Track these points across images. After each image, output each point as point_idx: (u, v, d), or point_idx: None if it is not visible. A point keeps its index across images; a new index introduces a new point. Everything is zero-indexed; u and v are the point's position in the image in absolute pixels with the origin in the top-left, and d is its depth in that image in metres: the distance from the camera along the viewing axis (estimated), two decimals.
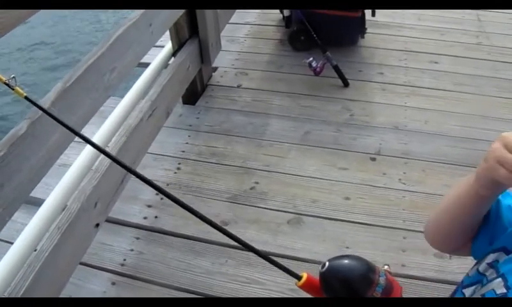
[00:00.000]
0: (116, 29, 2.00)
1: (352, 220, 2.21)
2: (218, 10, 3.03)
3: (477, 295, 0.82)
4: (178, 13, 2.58)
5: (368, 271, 0.78)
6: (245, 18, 3.99)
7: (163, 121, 2.48)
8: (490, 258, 0.86)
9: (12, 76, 1.08)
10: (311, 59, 3.10)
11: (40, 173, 1.55)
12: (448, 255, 2.02)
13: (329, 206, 2.28)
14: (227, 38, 3.58)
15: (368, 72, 3.29)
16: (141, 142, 2.20)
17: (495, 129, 2.76)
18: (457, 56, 3.48)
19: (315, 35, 3.14)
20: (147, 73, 2.55)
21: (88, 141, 1.03)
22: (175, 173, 2.47)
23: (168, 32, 2.70)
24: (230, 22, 3.70)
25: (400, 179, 2.44)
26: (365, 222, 2.20)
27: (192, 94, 3.00)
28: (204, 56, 2.93)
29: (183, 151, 2.61)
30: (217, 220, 2.11)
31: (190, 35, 2.82)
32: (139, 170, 2.17)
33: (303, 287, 0.83)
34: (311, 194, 2.34)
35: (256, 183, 2.40)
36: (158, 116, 2.36)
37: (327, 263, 0.79)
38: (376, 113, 2.90)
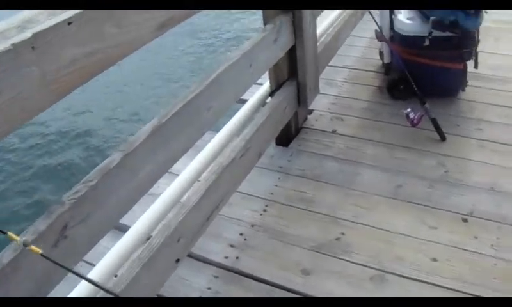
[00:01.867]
0: (216, 68, 2.04)
1: (438, 283, 2.11)
2: (319, 52, 3.03)
3: None
4: (279, 54, 2.60)
5: None
6: (344, 62, 3.97)
7: (255, 161, 2.50)
8: None
9: (24, 238, 1.13)
10: (409, 109, 3.03)
11: (128, 205, 1.58)
12: None
13: (414, 266, 2.19)
14: (325, 80, 3.56)
15: (466, 127, 3.16)
16: (230, 182, 2.22)
17: None
18: None
19: (414, 85, 3.06)
20: (243, 111, 2.58)
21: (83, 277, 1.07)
22: (261, 214, 2.47)
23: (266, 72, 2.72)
24: (329, 64, 3.69)
25: (492, 245, 2.31)
26: (450, 287, 2.10)
27: (286, 136, 3.00)
28: (301, 99, 2.93)
29: (271, 194, 2.61)
30: (298, 268, 2.12)
31: (288, 77, 2.84)
32: (225, 208, 2.21)
33: None
34: (396, 251, 2.26)
35: (342, 234, 2.35)
36: (250, 157, 2.38)
37: None
38: (471, 171, 2.78)
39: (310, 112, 3.30)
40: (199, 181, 2.05)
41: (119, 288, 1.55)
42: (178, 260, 1.88)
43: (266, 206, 2.52)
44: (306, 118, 3.23)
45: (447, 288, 2.09)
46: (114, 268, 1.66)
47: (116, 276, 1.63)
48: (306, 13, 2.68)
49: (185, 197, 1.95)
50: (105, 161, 1.49)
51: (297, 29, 2.69)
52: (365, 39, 4.35)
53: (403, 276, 2.14)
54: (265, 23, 2.57)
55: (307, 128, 3.16)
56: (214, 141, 2.28)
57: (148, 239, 1.75)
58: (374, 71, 3.84)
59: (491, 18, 4.18)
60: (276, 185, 2.67)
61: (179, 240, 1.84)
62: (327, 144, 3.02)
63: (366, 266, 2.18)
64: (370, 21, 4.13)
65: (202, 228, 2.01)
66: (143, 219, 1.81)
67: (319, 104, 3.36)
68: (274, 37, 2.48)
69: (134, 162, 1.55)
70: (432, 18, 3.08)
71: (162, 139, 1.68)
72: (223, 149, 2.27)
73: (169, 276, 1.88)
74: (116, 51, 1.43)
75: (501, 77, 3.69)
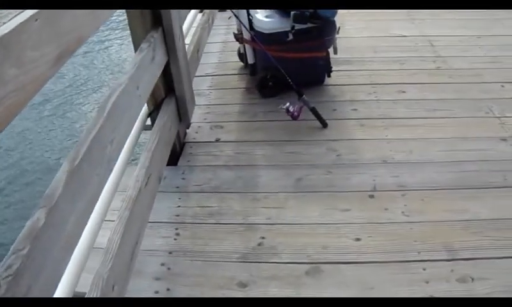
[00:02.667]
0: (107, 97, 1.89)
1: (369, 260, 2.15)
2: (189, 62, 2.96)
3: None
4: (157, 73, 2.49)
5: None
6: (205, 70, 3.93)
7: (157, 187, 2.37)
8: None
9: None
10: (288, 104, 3.06)
11: (63, 265, 1.41)
12: (470, 278, 2.02)
13: (341, 250, 2.21)
14: (194, 92, 3.49)
15: (342, 110, 3.28)
16: (142, 213, 2.08)
17: (477, 148, 2.82)
18: (423, 83, 3.54)
19: (290, 80, 3.09)
20: (129, 138, 2.43)
21: None
22: (175, 239, 2.35)
23: None
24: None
25: (403, 212, 2.41)
26: (382, 260, 2.15)
27: (173, 155, 2.88)
28: (182, 114, 2.85)
29: (177, 216, 2.49)
30: (234, 283, 2.04)
31: (166, 94, 2.73)
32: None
33: None
34: (320, 241, 2.27)
35: (263, 238, 2.30)
36: (153, 183, 2.26)
37: None
38: (361, 150, 2.88)
39: (188, 126, 3.22)
40: (113, 221, 1.88)
41: None
42: None
43: (176, 229, 2.40)
44: (186, 133, 3.14)
45: (377, 262, 2.14)
46: None
47: None
48: (175, 26, 2.60)
49: (105, 241, 1.78)
50: (30, 222, 1.30)
51: (169, 44, 2.60)
52: (218, 44, 4.35)
53: (335, 262, 2.14)
54: (135, 44, 2.45)
55: (190, 142, 3.07)
56: (113, 175, 2.12)
57: (85, 295, 1.57)
58: (236, 74, 3.85)
59: None
60: (179, 206, 2.56)
61: (113, 288, 1.68)
62: (215, 154, 2.96)
63: (297, 263, 2.15)
64: (217, 26, 4.16)
65: (130, 268, 1.86)
66: (70, 275, 1.62)
67: (194, 116, 3.27)
68: (151, 55, 2.36)
69: (59, 216, 1.38)
70: (292, 12, 3.14)
71: (79, 183, 1.52)
72: (121, 178, 2.12)
73: None
74: (23, 95, 1.25)
75: (358, 58, 3.89)
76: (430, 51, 4.03)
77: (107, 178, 1.76)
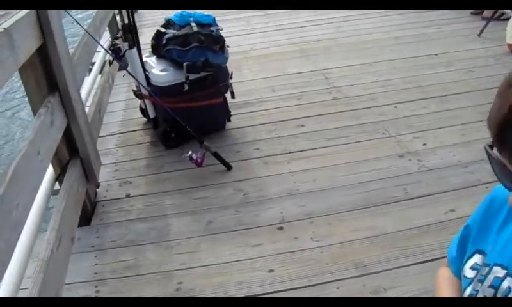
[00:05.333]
0: (9, 163, 1.92)
1: (285, 288, 2.25)
2: (91, 123, 3.01)
3: (483, 288, 0.90)
4: (58, 136, 2.52)
5: None
6: (110, 129, 3.97)
7: (71, 247, 2.38)
8: (468, 265, 0.96)
9: None
10: (190, 152, 3.15)
11: None
12: (383, 289, 2.18)
13: (257, 283, 2.30)
14: (100, 151, 3.47)
15: (245, 151, 3.42)
16: (57, 275, 2.09)
17: (378, 168, 3.03)
18: (320, 115, 3.75)
19: (189, 128, 3.20)
20: (37, 203, 2.44)
21: None
22: (96, 295, 2.36)
23: None
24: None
25: (312, 238, 2.54)
26: (297, 286, 2.26)
27: (85, 215, 2.89)
28: (89, 174, 2.88)
29: (95, 274, 2.50)
30: None
31: (70, 156, 2.76)
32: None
33: None
34: (235, 277, 2.35)
35: (180, 283, 2.36)
36: (66, 245, 2.26)
37: None
38: (267, 186, 3.01)
39: (98, 185, 3.24)
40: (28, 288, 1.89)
41: None
42: None
43: (96, 287, 2.41)
44: (96, 193, 3.16)
45: (292, 289, 2.24)
46: None
47: None
48: (72, 89, 2.65)
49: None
50: None
51: (67, 108, 2.64)
52: (121, 102, 4.41)
53: (253, 295, 2.23)
54: (34, 109, 2.48)
55: (101, 201, 3.10)
56: (25, 242, 2.12)
57: None
58: (141, 129, 3.92)
59: (234, 50, 4.60)
60: (96, 264, 2.57)
61: None
62: (127, 209, 3.00)
63: None
64: (119, 84, 4.24)
65: None
66: None
67: (103, 175, 3.30)
68: (50, 120, 2.40)
69: None
70: (185, 63, 3.27)
71: None
72: (33, 246, 2.13)
73: None
74: None
75: (257, 99, 4.07)
76: (325, 83, 4.29)
77: (15, 244, 1.78)
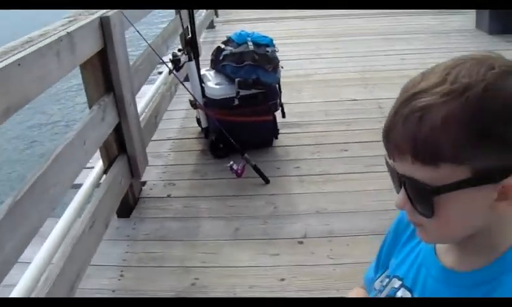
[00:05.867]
0: (54, 148, 2.19)
1: (289, 296, 2.40)
2: (142, 127, 3.28)
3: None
4: (107, 131, 2.80)
5: None
6: (167, 134, 4.25)
7: (103, 232, 2.63)
8: (378, 279, 1.07)
9: None
10: (231, 162, 3.36)
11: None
12: None
13: (266, 289, 2.46)
14: (152, 153, 3.78)
15: (285, 168, 3.59)
16: (85, 253, 2.34)
17: None
18: (365, 141, 3.86)
19: (232, 140, 3.41)
20: (81, 193, 2.71)
21: None
22: (119, 279, 2.60)
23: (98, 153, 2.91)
24: (153, 139, 3.93)
25: (328, 255, 2.67)
26: (302, 296, 2.39)
27: (126, 208, 3.16)
28: (134, 171, 3.13)
29: (124, 260, 2.74)
30: None
31: (119, 152, 3.03)
32: (84, 280, 2.31)
33: None
34: (248, 281, 2.52)
35: (196, 279, 2.56)
36: (98, 227, 2.51)
37: None
38: (297, 203, 3.16)
39: (144, 183, 3.50)
40: (53, 263, 2.15)
41: None
42: None
43: (122, 271, 2.65)
44: (141, 189, 3.42)
45: (298, 298, 2.38)
46: None
47: None
48: (126, 92, 2.93)
49: (47, 270, 2.04)
50: None
51: (120, 108, 2.92)
52: (182, 111, 4.69)
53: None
54: (90, 106, 2.77)
55: (144, 197, 3.35)
56: (59, 225, 2.39)
57: None
58: (195, 138, 4.17)
59: (293, 74, 4.83)
60: (127, 252, 2.81)
61: None
62: (165, 208, 3.24)
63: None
64: (183, 94, 4.51)
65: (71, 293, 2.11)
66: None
67: (151, 175, 3.58)
68: (101, 116, 2.68)
69: None
70: (237, 79, 3.50)
71: (17, 216, 1.79)
72: (68, 231, 2.39)
73: None
74: None
75: (306, 121, 4.24)
76: (378, 112, 4.38)
77: (46, 217, 2.03)
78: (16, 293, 1.95)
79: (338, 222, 2.95)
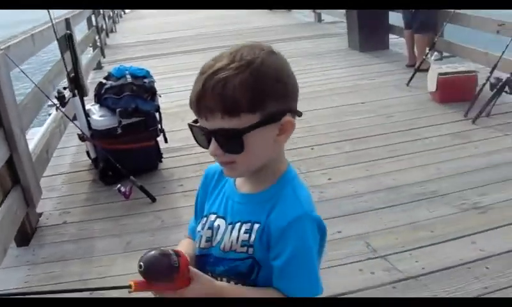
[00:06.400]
0: None
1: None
2: (34, 161, 3.54)
3: (204, 231, 1.30)
4: (0, 163, 3.04)
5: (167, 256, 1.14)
6: (59, 170, 4.51)
7: (2, 257, 2.86)
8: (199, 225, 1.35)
9: None
10: (119, 185, 3.68)
11: None
12: None
13: None
14: (46, 187, 4.02)
15: (170, 187, 3.98)
16: None
17: None
18: None
19: (118, 166, 3.73)
20: None
21: None
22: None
23: None
24: (46, 174, 4.18)
25: None
26: None
27: (25, 237, 3.38)
28: (29, 201, 3.39)
29: (26, 282, 2.97)
30: None
31: (13, 184, 3.27)
32: None
33: (136, 290, 1.10)
34: None
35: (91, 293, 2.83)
36: None
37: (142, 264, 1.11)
38: (182, 214, 3.51)
39: (40, 215, 3.73)
40: None
41: None
42: None
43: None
44: (38, 220, 3.65)
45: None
46: None
47: None
48: (15, 127, 3.21)
49: None
50: None
51: (10, 142, 3.19)
52: (73, 147, 4.97)
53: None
54: None
55: (41, 226, 3.59)
56: None
57: None
58: (86, 170, 4.45)
59: (177, 104, 5.23)
60: (28, 275, 3.04)
61: None
62: (61, 233, 3.50)
63: None
64: (73, 132, 4.79)
65: None
66: None
67: (46, 207, 3.82)
68: None
69: None
70: (118, 109, 3.85)
71: None
72: None
73: None
74: None
75: (190, 145, 4.62)
76: None
77: None
78: None
79: None
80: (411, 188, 3.57)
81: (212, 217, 1.31)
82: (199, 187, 1.42)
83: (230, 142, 1.16)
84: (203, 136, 1.20)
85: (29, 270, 3.11)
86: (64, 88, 4.16)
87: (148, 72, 4.14)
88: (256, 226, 1.21)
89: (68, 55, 4.54)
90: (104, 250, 3.23)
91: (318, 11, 11.70)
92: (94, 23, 9.55)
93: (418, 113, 5.08)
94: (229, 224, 1.26)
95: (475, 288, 2.50)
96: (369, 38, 7.90)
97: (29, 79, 3.61)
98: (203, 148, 1.23)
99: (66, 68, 4.31)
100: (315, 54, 8.32)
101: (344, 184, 3.76)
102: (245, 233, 1.22)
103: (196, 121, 1.23)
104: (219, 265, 1.25)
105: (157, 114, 4.10)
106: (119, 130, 3.89)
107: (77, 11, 7.16)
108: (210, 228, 1.30)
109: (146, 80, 4.03)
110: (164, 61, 8.75)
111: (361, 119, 5.07)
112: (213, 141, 1.17)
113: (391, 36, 8.14)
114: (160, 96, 4.14)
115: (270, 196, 1.22)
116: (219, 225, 1.29)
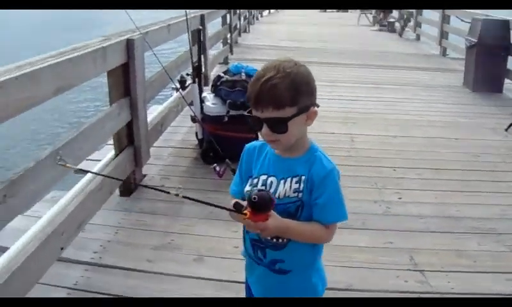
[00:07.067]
0: (84, 123, 3.11)
1: None
2: (149, 130, 4.20)
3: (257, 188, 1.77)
4: (121, 124, 3.71)
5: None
6: (169, 143, 5.19)
7: (107, 196, 3.53)
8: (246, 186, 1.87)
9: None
10: (215, 165, 4.22)
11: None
12: None
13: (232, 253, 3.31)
14: (155, 156, 4.68)
15: None
16: (92, 206, 3.23)
17: (353, 205, 3.93)
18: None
19: (219, 148, 4.29)
20: (98, 165, 3.62)
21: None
22: (114, 234, 3.47)
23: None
24: (158, 145, 4.86)
25: None
26: None
27: (128, 190, 4.04)
28: (137, 160, 4.04)
29: (119, 223, 3.62)
30: (144, 259, 3.15)
31: (128, 144, 3.94)
32: (86, 233, 3.18)
33: (249, 218, 1.59)
34: (213, 245, 3.38)
35: (172, 240, 3.42)
36: (105, 191, 3.43)
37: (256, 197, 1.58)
38: None
39: (144, 175, 4.39)
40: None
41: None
42: (62, 248, 2.82)
43: (117, 230, 3.52)
44: (142, 179, 4.31)
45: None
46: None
47: None
48: (140, 99, 3.86)
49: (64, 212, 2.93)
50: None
51: (133, 110, 3.85)
52: (185, 127, 5.62)
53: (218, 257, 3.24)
54: (111, 104, 3.69)
55: (143, 185, 4.24)
56: (78, 185, 3.29)
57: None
58: (191, 148, 5.09)
59: None
60: (123, 219, 3.69)
61: (63, 233, 2.80)
62: (157, 193, 4.06)
63: (189, 254, 3.26)
64: (187, 115, 5.43)
65: (78, 230, 3.00)
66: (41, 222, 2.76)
67: (151, 171, 4.48)
68: (117, 112, 3.61)
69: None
70: (228, 101, 4.42)
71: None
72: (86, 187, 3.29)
73: (55, 261, 2.79)
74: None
75: None
76: (349, 144, 5.40)
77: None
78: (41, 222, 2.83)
79: None
80: (470, 222, 3.82)
81: (264, 176, 1.80)
82: (241, 159, 1.96)
83: (278, 127, 1.67)
84: (257, 122, 1.70)
85: (124, 215, 3.74)
86: (187, 74, 4.80)
87: None
88: (303, 177, 1.72)
89: (196, 47, 5.20)
90: (189, 213, 3.80)
91: (444, 45, 11.79)
92: (228, 21, 10.27)
93: (504, 158, 5.24)
94: (281, 179, 1.75)
95: None
96: (484, 79, 8.01)
97: (159, 62, 4.26)
98: (256, 130, 1.75)
99: (192, 58, 4.96)
100: (427, 85, 8.61)
101: (411, 205, 4.08)
102: (296, 183, 1.73)
103: (250, 112, 1.72)
104: (274, 209, 1.68)
105: None
106: (226, 119, 4.46)
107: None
108: (264, 184, 1.78)
109: None
110: None
111: (449, 153, 5.32)
112: (265, 126, 1.68)
113: (507, 80, 8.18)
114: None
115: (307, 158, 1.75)
116: (271, 181, 1.77)
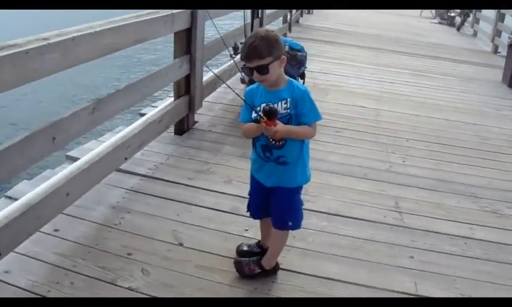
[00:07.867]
0: (155, 69, 4.12)
1: None
2: (204, 85, 5.19)
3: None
4: (181, 75, 4.72)
5: None
6: (221, 100, 6.18)
7: (163, 130, 4.55)
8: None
9: None
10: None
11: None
12: None
13: None
14: (207, 107, 5.70)
15: None
16: (152, 133, 4.25)
17: (365, 163, 4.82)
18: (355, 131, 5.60)
19: None
20: (160, 106, 4.65)
21: None
22: (166, 159, 4.46)
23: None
24: (211, 101, 5.87)
25: None
26: None
27: (181, 129, 5.04)
28: (191, 107, 5.04)
29: (171, 152, 4.60)
30: (187, 176, 4.14)
31: (185, 92, 4.94)
32: (144, 156, 4.20)
33: (265, 123, 2.47)
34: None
35: (210, 168, 4.40)
36: (163, 124, 4.45)
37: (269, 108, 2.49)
38: None
39: (196, 122, 5.38)
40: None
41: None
42: (126, 158, 3.85)
43: (168, 157, 4.51)
44: (194, 123, 5.30)
45: None
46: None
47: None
48: (198, 57, 4.84)
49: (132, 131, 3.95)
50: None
51: (191, 65, 4.83)
52: (237, 89, 6.42)
53: (242, 182, 4.20)
54: (174, 58, 4.70)
55: (194, 128, 5.24)
56: (138, 122, 4.31)
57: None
58: (239, 105, 5.98)
59: (330, 84, 6.57)
60: (174, 150, 4.68)
61: (128, 147, 3.82)
62: (205, 135, 5.10)
63: (221, 177, 4.24)
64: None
65: (139, 148, 4.03)
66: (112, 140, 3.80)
67: (202, 119, 5.47)
68: (179, 65, 4.61)
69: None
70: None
71: (127, 93, 3.69)
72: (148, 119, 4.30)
73: (120, 165, 3.83)
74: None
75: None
76: (374, 116, 6.24)
77: (138, 102, 3.95)
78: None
79: None
80: (457, 186, 4.54)
81: (263, 104, 2.63)
82: (245, 97, 2.78)
83: (262, 71, 2.55)
84: (249, 70, 2.58)
85: (175, 148, 4.73)
86: (241, 43, 5.73)
87: (302, 48, 5.44)
88: (288, 99, 2.60)
89: (255, 22, 6.14)
90: (227, 151, 4.76)
91: (496, 43, 12.27)
92: None
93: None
94: (274, 104, 2.57)
95: None
96: None
97: (216, 30, 5.21)
98: (248, 77, 2.69)
99: (245, 30, 5.89)
100: (465, 78, 9.27)
101: (411, 168, 4.83)
102: (284, 104, 2.60)
103: (244, 66, 2.64)
104: None
105: (299, 79, 5.47)
106: None
107: None
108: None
109: (298, 53, 5.40)
110: (338, 49, 10.22)
111: (462, 133, 6.01)
112: (254, 72, 2.57)
113: None
114: (306, 68, 5.52)
115: (289, 87, 2.65)
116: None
